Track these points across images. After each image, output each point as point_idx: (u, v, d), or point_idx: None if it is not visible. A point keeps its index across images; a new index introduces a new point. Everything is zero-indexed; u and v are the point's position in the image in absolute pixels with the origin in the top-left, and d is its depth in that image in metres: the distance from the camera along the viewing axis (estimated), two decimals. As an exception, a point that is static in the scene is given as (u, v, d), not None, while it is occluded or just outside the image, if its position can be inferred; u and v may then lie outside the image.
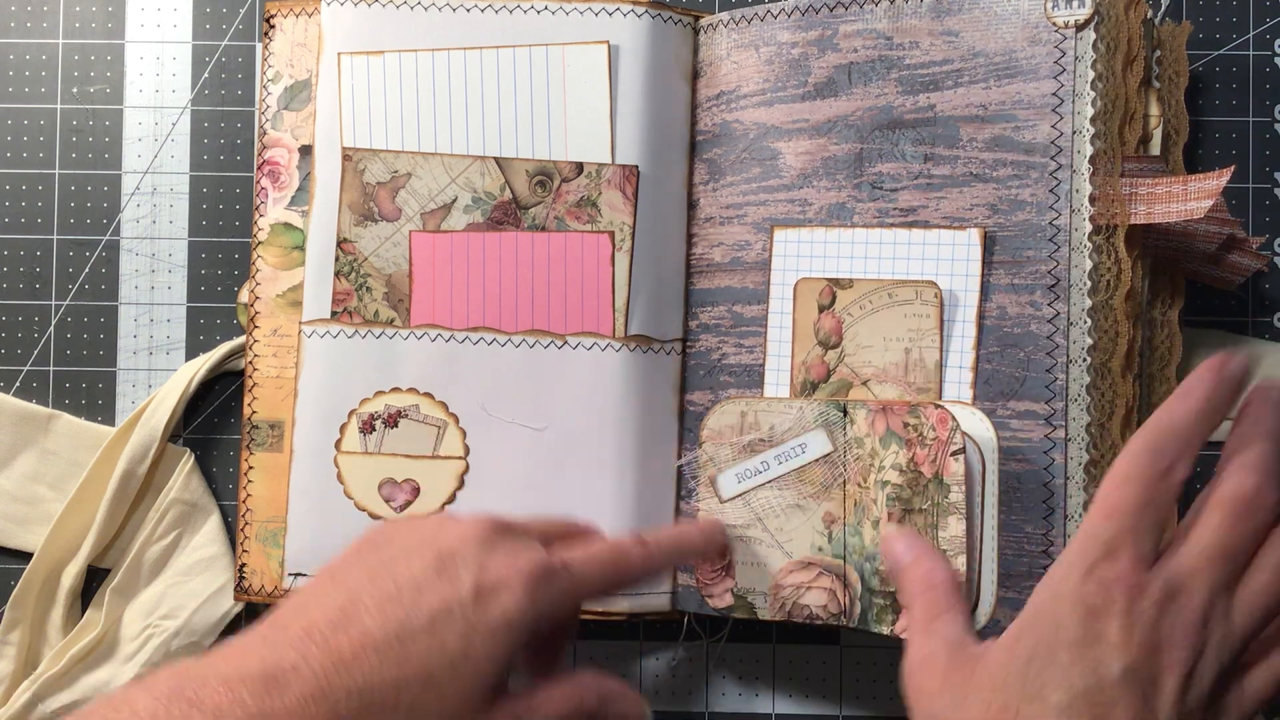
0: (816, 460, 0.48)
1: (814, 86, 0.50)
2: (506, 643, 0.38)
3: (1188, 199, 0.45)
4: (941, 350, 0.47)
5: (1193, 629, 0.37)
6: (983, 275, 0.46)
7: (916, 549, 0.44)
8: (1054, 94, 0.45)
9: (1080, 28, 0.45)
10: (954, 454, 0.44)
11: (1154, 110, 0.49)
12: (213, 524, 0.55)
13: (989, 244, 0.46)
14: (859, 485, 0.47)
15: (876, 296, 0.48)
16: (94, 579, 0.55)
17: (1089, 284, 0.45)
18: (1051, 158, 0.45)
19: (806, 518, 0.48)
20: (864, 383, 0.48)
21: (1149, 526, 0.38)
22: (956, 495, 0.44)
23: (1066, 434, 0.45)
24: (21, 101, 0.57)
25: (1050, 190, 0.45)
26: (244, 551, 0.53)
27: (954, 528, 0.44)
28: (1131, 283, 0.46)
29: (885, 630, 0.46)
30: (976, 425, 0.46)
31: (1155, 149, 0.49)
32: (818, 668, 0.55)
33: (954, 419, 0.44)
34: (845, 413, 0.47)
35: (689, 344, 0.53)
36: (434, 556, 0.39)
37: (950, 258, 0.47)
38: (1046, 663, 0.37)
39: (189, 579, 0.55)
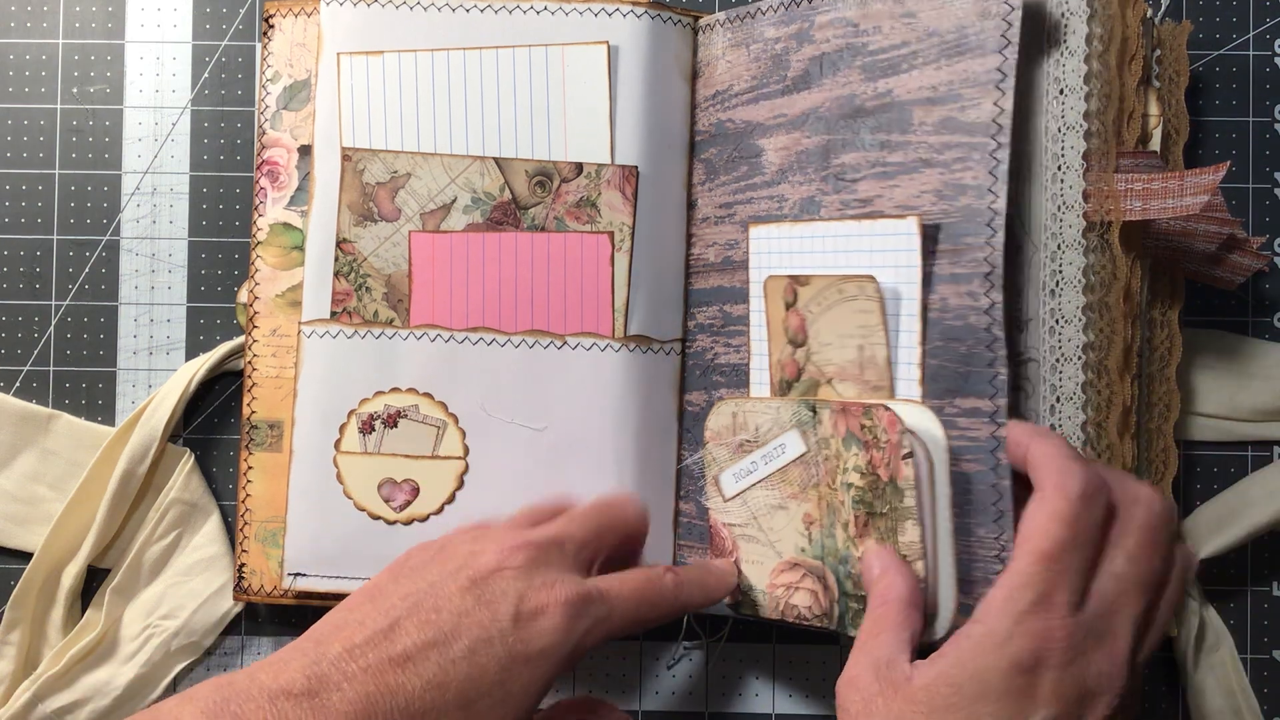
0: (794, 461, 0.47)
1: (791, 80, 0.49)
2: (544, 673, 0.39)
3: (1184, 194, 0.45)
4: (889, 346, 0.45)
5: (1120, 675, 0.38)
6: (924, 266, 0.44)
7: (884, 562, 0.43)
8: (997, 69, 0.43)
9: None
10: (904, 457, 0.43)
11: (1154, 110, 0.49)
12: (212, 524, 0.55)
13: (933, 232, 0.44)
14: (829, 487, 0.46)
15: (828, 293, 0.47)
16: (94, 579, 0.55)
17: (1083, 281, 0.45)
18: (992, 136, 0.43)
19: (790, 518, 0.47)
20: (829, 381, 0.47)
21: (1079, 569, 0.38)
22: (910, 500, 0.43)
23: (1060, 432, 0.45)
24: (21, 101, 0.57)
25: (989, 172, 0.43)
26: (243, 551, 0.53)
27: (910, 533, 0.43)
28: (1129, 282, 0.46)
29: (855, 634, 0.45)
30: (927, 424, 0.44)
31: (1155, 148, 0.49)
32: (818, 668, 0.55)
33: (901, 421, 0.43)
34: (814, 412, 0.47)
35: (688, 344, 0.53)
36: (471, 581, 0.40)
37: (894, 248, 0.45)
38: (967, 716, 0.37)
39: (189, 579, 0.55)
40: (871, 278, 0.45)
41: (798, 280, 0.47)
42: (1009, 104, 0.43)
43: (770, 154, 0.50)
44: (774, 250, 0.49)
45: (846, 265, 0.46)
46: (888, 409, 0.43)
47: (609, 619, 0.41)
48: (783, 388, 0.48)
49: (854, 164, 0.47)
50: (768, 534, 0.48)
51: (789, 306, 0.48)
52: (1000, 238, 0.43)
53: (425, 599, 0.39)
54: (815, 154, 0.48)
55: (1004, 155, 0.43)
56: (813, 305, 0.47)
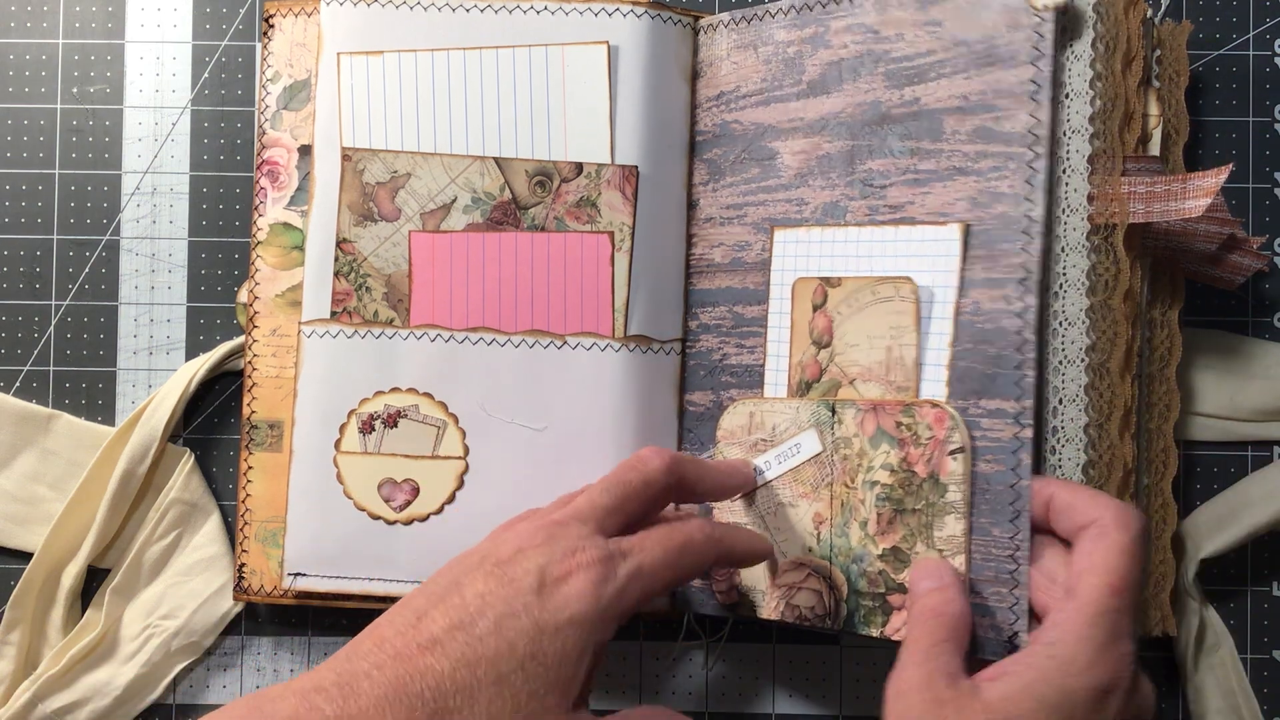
0: (809, 460, 0.48)
1: (807, 84, 0.50)
2: (577, 641, 0.38)
3: (1186, 197, 0.45)
4: (919, 347, 0.46)
5: (1154, 699, 0.40)
6: (961, 270, 0.45)
7: (942, 578, 0.43)
8: (1031, 80, 0.44)
9: (1061, 10, 0.44)
10: (952, 453, 0.44)
11: (1154, 110, 0.49)
12: (212, 524, 0.55)
13: (967, 238, 0.45)
14: (846, 486, 0.47)
15: (862, 294, 0.47)
16: (94, 579, 0.55)
17: (1087, 283, 0.45)
18: (1029, 147, 0.44)
19: (799, 518, 0.48)
20: (851, 382, 0.47)
21: (1139, 601, 0.41)
22: (955, 495, 0.44)
23: (1062, 434, 0.45)
24: (21, 101, 0.57)
25: (1026, 181, 0.44)
26: (243, 551, 0.53)
27: (951, 527, 0.44)
28: (1130, 283, 0.46)
29: (874, 632, 0.46)
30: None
31: (1155, 149, 0.49)
32: (818, 668, 0.55)
33: (952, 417, 0.44)
34: (834, 412, 0.47)
35: (689, 344, 0.53)
36: (495, 566, 0.39)
37: (933, 254, 0.46)
38: None
39: (189, 579, 0.55)
40: (909, 280, 0.46)
41: (829, 282, 0.48)
42: (1046, 115, 0.44)
43: (787, 157, 0.50)
44: (797, 254, 0.49)
45: (881, 269, 0.47)
46: (936, 406, 0.44)
47: (640, 573, 0.40)
48: (802, 388, 0.49)
49: (882, 170, 0.48)
50: (773, 533, 0.48)
51: (817, 308, 0.48)
52: (1038, 244, 0.44)
53: (451, 590, 0.39)
54: (839, 159, 0.49)
55: (1041, 165, 0.44)
56: (843, 307, 0.48)
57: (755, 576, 0.49)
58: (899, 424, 0.45)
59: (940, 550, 0.44)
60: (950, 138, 0.46)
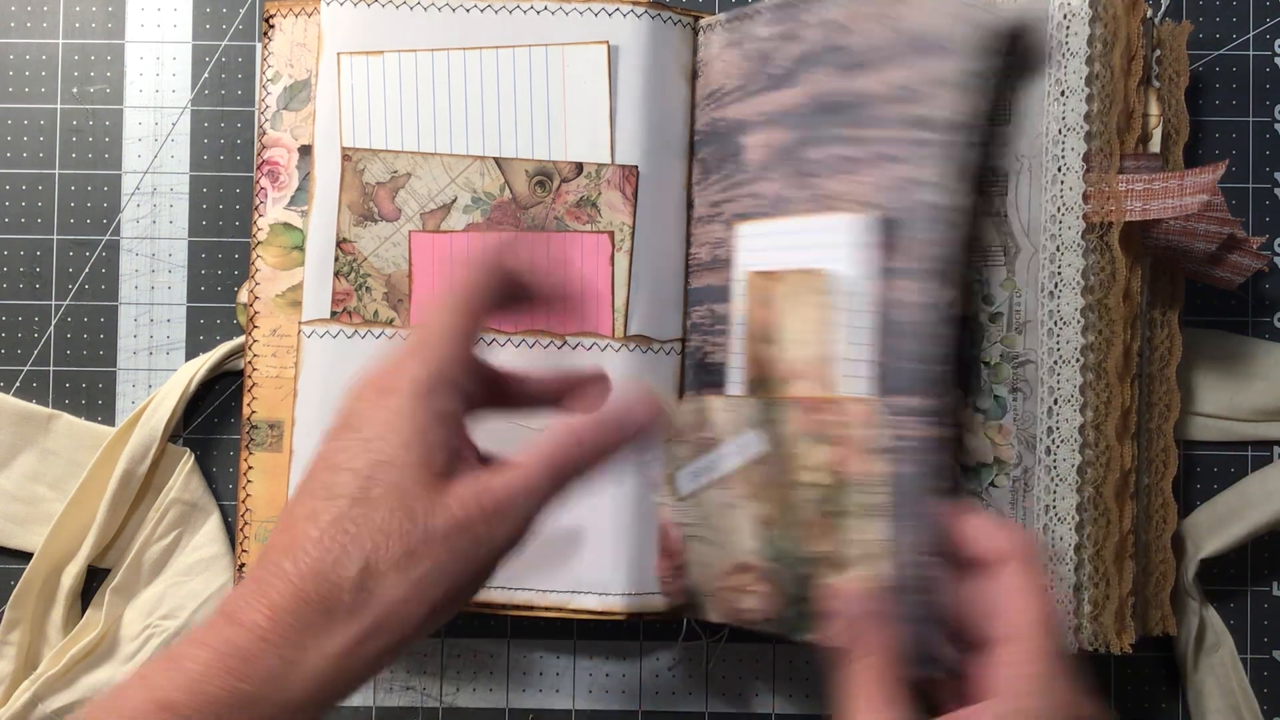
0: (754, 460, 0.46)
1: (773, 79, 0.49)
2: (411, 413, 0.37)
3: (1184, 194, 0.45)
4: (839, 342, 0.44)
5: None
6: (877, 261, 0.43)
7: (867, 604, 0.40)
8: (964, 70, 0.42)
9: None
10: (875, 452, 0.42)
11: (1154, 110, 0.49)
12: (213, 524, 0.55)
13: (891, 228, 0.43)
14: (789, 486, 0.45)
15: (797, 289, 0.46)
16: (94, 579, 0.56)
17: (1082, 283, 0.45)
18: (952, 135, 0.42)
19: (744, 519, 0.46)
20: (791, 379, 0.46)
21: None
22: (878, 495, 0.42)
23: (1056, 434, 0.45)
24: (21, 101, 0.57)
25: (946, 169, 0.42)
26: (243, 551, 0.53)
27: (875, 530, 0.42)
28: (1129, 283, 0.46)
29: (809, 638, 0.44)
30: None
31: (1155, 148, 0.49)
32: (818, 668, 0.55)
33: (876, 415, 0.42)
34: (775, 410, 0.45)
35: (687, 344, 0.53)
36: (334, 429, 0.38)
37: (847, 243, 0.44)
38: None
39: (189, 579, 0.55)
40: (822, 271, 0.44)
41: (769, 276, 0.47)
42: (973, 104, 0.42)
43: (750, 151, 0.49)
44: (753, 248, 0.48)
45: (811, 261, 0.45)
46: (859, 402, 0.43)
47: (452, 330, 0.39)
48: (753, 386, 0.47)
49: (821, 159, 0.46)
50: (719, 535, 0.47)
51: (765, 304, 0.47)
52: (954, 234, 0.42)
53: (309, 470, 0.38)
54: (788, 150, 0.48)
55: (962, 153, 0.42)
56: (783, 302, 0.46)
57: (704, 579, 0.48)
58: (828, 422, 0.43)
59: (866, 554, 0.42)
60: (882, 125, 0.44)
